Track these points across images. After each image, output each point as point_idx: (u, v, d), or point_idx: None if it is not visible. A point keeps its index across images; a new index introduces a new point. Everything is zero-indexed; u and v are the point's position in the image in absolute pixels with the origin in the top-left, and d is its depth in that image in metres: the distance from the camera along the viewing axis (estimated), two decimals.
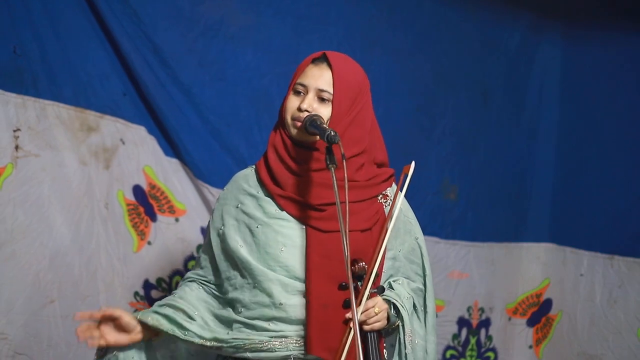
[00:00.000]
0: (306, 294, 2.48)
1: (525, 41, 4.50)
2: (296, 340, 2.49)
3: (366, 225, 2.55)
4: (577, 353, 4.40)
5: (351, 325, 2.44)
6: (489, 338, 4.49)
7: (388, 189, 2.64)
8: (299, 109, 2.50)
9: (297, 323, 2.50)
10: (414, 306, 2.63)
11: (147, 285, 3.57)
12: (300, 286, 2.49)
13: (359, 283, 2.48)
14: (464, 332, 4.43)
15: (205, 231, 2.73)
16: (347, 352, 2.44)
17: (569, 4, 4.47)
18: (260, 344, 2.48)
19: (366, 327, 2.49)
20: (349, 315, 2.46)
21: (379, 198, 2.61)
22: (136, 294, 3.55)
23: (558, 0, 4.49)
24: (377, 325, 2.51)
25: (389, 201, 2.63)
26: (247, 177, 2.61)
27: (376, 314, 2.49)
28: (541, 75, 4.56)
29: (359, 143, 2.54)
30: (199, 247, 3.64)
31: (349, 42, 3.95)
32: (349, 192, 2.35)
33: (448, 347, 4.38)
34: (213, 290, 2.64)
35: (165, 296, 3.54)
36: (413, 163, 2.53)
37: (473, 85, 4.40)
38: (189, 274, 2.70)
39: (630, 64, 4.36)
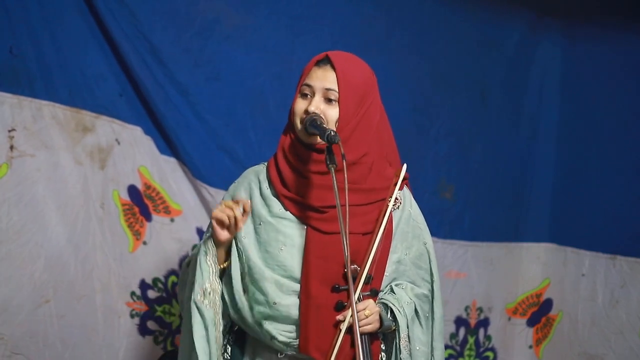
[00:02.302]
0: (300, 294, 2.49)
1: (524, 40, 4.48)
2: (289, 340, 2.50)
3: (367, 228, 2.55)
4: (578, 353, 4.39)
5: (341, 327, 2.45)
6: (487, 338, 4.48)
7: (399, 192, 2.64)
8: (307, 112, 2.50)
9: (290, 323, 2.51)
10: (416, 312, 2.62)
11: (143, 285, 3.58)
12: (296, 286, 2.50)
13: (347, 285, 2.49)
14: (462, 331, 4.42)
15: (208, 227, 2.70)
16: (337, 353, 2.44)
17: (569, 3, 4.46)
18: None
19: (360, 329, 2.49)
20: (340, 317, 2.47)
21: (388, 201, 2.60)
22: (133, 293, 3.56)
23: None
24: (367, 328, 2.52)
25: (398, 204, 2.63)
26: (257, 174, 2.63)
27: (366, 317, 2.49)
28: (541, 74, 4.54)
29: (365, 144, 2.55)
30: (194, 247, 3.65)
31: (345, 42, 3.93)
32: (352, 194, 2.40)
33: (446, 347, 4.33)
34: None
35: (163, 297, 3.58)
36: (405, 166, 2.53)
37: (471, 85, 4.39)
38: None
39: (631, 63, 4.34)
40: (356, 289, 2.47)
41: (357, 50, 3.99)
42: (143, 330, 3.60)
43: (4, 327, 3.22)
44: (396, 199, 2.62)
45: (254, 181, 2.62)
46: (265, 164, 2.65)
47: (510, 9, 4.41)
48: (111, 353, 3.51)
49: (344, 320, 2.46)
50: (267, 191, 2.58)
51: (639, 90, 4.33)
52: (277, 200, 2.56)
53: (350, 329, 2.46)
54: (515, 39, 4.47)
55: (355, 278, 2.49)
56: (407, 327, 2.58)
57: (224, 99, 3.70)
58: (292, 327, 2.51)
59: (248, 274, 2.53)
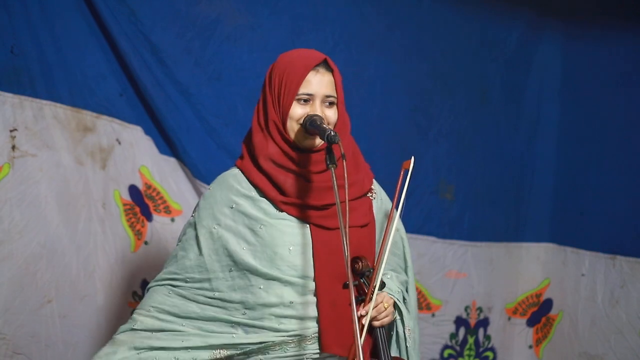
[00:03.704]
0: (316, 293, 2.48)
1: (524, 40, 4.49)
2: (309, 339, 2.50)
3: (365, 220, 2.57)
4: (579, 353, 4.40)
5: (363, 322, 2.43)
6: (487, 338, 4.49)
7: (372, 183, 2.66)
8: None
9: (309, 321, 2.49)
10: (404, 299, 2.64)
11: (145, 285, 3.57)
12: (310, 285, 2.49)
13: (361, 280, 2.49)
14: (462, 331, 4.43)
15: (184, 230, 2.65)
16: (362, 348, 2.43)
17: (569, 3, 4.46)
18: (274, 344, 2.49)
19: (376, 323, 2.49)
20: (362, 312, 2.44)
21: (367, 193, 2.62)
22: (134, 294, 3.56)
23: None
24: (386, 320, 2.52)
25: (374, 194, 2.64)
26: (236, 178, 2.58)
27: (385, 309, 2.50)
28: (541, 74, 4.55)
29: (346, 138, 2.57)
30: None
31: (345, 42, 3.95)
32: (348, 190, 2.37)
33: (446, 347, 4.39)
34: (186, 291, 2.57)
35: None
36: (412, 158, 2.52)
37: (471, 85, 4.40)
38: (161, 275, 2.61)
39: (631, 62, 4.35)
40: (374, 282, 2.46)
41: (357, 50, 4.05)
42: None
43: (5, 327, 3.23)
44: (372, 189, 2.64)
45: (235, 187, 2.56)
46: (236, 168, 2.60)
47: (511, 9, 4.42)
48: None
49: (365, 315, 2.45)
50: (253, 194, 2.54)
51: (639, 90, 4.33)
52: (266, 201, 2.53)
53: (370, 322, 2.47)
54: (515, 38, 4.48)
55: (365, 273, 2.49)
56: (408, 316, 2.61)
57: (225, 99, 3.71)
58: (312, 325, 2.49)
59: (253, 280, 2.49)
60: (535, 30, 4.51)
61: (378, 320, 2.49)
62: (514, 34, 4.47)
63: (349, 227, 2.31)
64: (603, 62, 4.43)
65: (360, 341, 2.24)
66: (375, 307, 2.47)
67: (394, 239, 2.66)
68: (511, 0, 4.41)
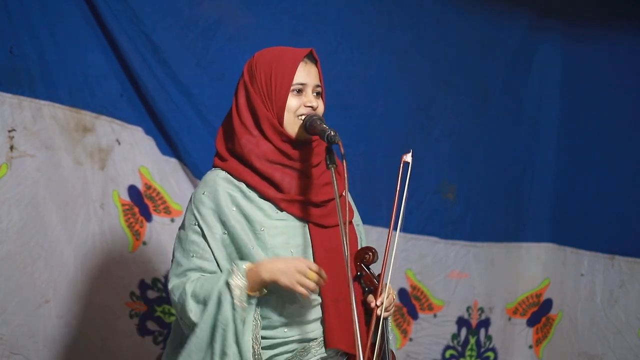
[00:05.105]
0: (320, 292, 2.47)
1: (525, 40, 4.50)
2: (317, 339, 2.49)
3: (351, 216, 2.57)
4: (578, 353, 4.41)
5: (378, 312, 2.43)
6: (488, 338, 4.49)
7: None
8: (306, 106, 2.50)
9: (313, 322, 2.49)
10: None
11: (142, 285, 3.57)
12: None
13: (368, 271, 2.50)
14: (464, 332, 4.43)
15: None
16: (376, 342, 2.44)
17: (569, 3, 4.47)
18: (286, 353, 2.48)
19: (385, 314, 2.49)
20: (378, 302, 2.44)
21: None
22: (132, 294, 3.55)
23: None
24: (391, 311, 2.54)
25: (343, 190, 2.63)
26: (228, 180, 2.51)
27: (394, 299, 2.52)
28: (541, 74, 4.56)
29: None
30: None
31: (347, 42, 3.96)
32: (341, 186, 2.40)
33: (447, 347, 4.39)
34: None
35: (162, 297, 3.56)
36: (411, 151, 2.50)
37: (472, 85, 4.41)
38: (192, 275, 2.49)
39: (631, 63, 4.36)
40: (384, 272, 2.46)
41: (359, 50, 4.05)
42: (142, 330, 3.59)
43: (3, 327, 3.22)
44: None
45: (230, 188, 2.50)
46: (221, 170, 2.53)
47: (511, 9, 4.43)
48: (110, 353, 3.49)
49: (379, 306, 2.43)
50: (251, 194, 2.50)
51: (639, 90, 4.33)
52: (264, 202, 2.50)
53: (368, 317, 2.47)
54: (516, 39, 4.48)
55: (374, 263, 2.50)
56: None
57: (227, 99, 3.65)
58: (316, 325, 2.48)
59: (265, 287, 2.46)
60: (536, 30, 4.52)
61: (387, 311, 2.49)
62: (515, 34, 4.48)
63: (344, 224, 2.32)
64: (603, 62, 4.43)
65: (354, 335, 2.24)
66: (387, 297, 2.47)
67: (359, 233, 2.67)
68: (511, 1, 4.41)
